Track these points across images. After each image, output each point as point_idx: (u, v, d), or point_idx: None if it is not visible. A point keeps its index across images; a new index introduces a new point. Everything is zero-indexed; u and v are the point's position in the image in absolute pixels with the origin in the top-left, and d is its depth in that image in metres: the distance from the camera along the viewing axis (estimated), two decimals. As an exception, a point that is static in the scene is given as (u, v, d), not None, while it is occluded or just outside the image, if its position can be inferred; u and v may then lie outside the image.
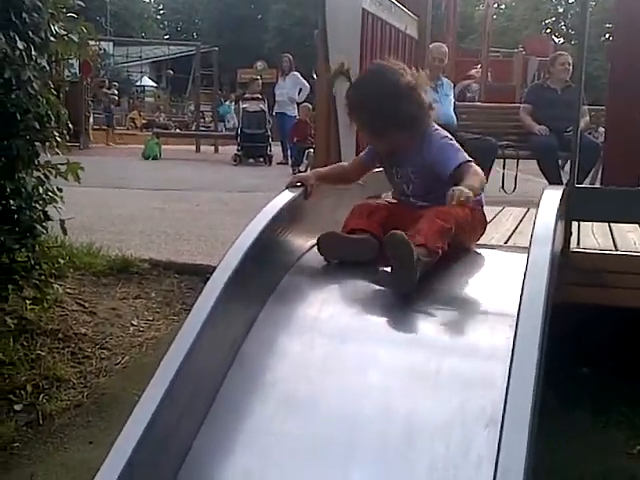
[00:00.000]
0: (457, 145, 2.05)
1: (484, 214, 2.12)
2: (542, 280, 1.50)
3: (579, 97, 2.18)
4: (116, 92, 22.35)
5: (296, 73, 11.52)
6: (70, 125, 2.58)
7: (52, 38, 2.34)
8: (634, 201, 2.26)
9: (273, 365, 1.61)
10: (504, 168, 6.88)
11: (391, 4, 3.03)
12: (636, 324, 2.48)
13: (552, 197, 1.86)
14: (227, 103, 20.41)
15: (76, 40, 2.37)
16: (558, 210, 1.79)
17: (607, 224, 2.74)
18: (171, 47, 30.22)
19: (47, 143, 2.47)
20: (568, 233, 2.22)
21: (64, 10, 2.45)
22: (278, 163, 12.05)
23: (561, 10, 36.03)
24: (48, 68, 2.38)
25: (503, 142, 6.63)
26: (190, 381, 1.44)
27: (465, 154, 2.03)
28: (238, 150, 12.38)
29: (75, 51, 2.47)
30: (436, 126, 2.09)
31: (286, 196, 1.97)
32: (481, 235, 2.13)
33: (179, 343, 1.44)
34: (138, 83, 27.89)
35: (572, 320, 2.44)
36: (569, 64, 6.15)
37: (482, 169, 6.00)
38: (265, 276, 1.82)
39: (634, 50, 2.27)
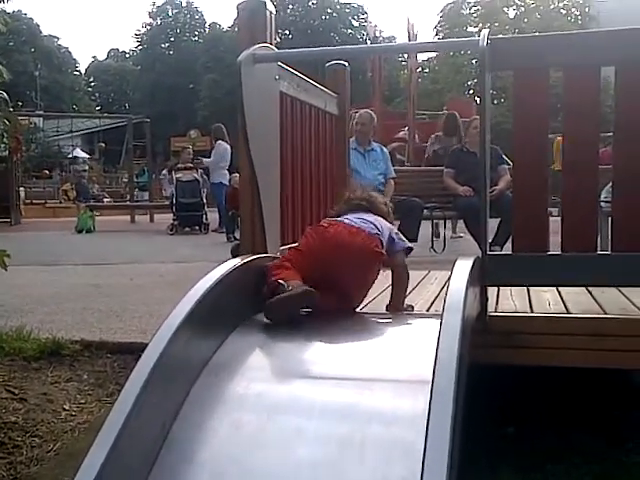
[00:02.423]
0: None
1: None
2: (454, 347, 1.58)
3: (484, 168, 2.32)
4: (86, 168, 22.20)
5: (220, 142, 11.95)
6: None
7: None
8: (543, 265, 2.40)
9: (202, 447, 1.64)
10: (433, 229, 7.12)
11: (309, 85, 3.17)
12: (554, 382, 2.60)
13: (463, 267, 1.97)
14: (164, 172, 20.50)
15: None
16: (469, 279, 1.90)
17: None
18: (103, 119, 30.19)
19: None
20: (484, 298, 2.33)
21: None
22: (213, 230, 12.13)
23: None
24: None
25: (430, 204, 6.88)
26: (118, 469, 1.45)
27: None
28: (174, 219, 12.43)
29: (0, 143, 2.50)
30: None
31: (215, 274, 2.02)
32: None
33: (105, 433, 1.46)
34: (70, 155, 27.69)
35: (498, 381, 2.55)
36: (476, 128, 6.49)
37: (409, 228, 6.31)
38: (195, 355, 1.85)
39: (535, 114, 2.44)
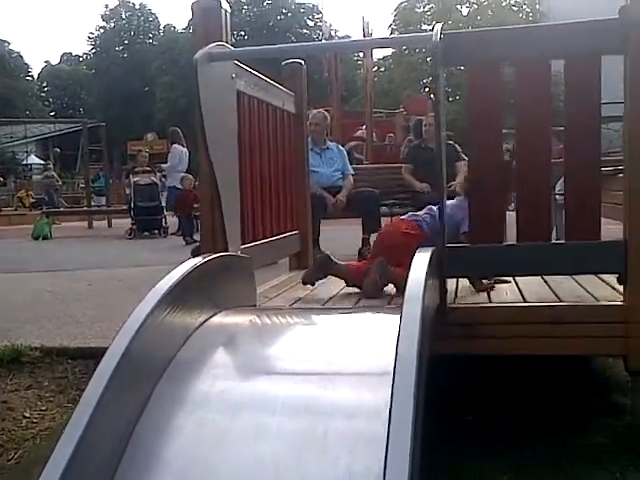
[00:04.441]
0: None
1: None
2: (414, 339, 1.60)
3: (440, 164, 2.35)
4: (54, 174, 21.79)
5: (176, 146, 11.96)
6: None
7: None
8: (499, 256, 2.44)
9: (167, 446, 1.64)
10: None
11: (267, 84, 3.19)
12: (510, 370, 2.65)
13: (421, 259, 1.99)
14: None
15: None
16: (428, 271, 1.92)
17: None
18: (57, 124, 29.73)
19: None
20: (443, 290, 2.36)
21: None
22: (171, 234, 12.06)
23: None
24: None
25: (390, 201, 6.95)
26: (83, 468, 1.45)
27: None
28: (132, 224, 12.30)
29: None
30: None
31: (176, 273, 2.01)
32: None
33: (69, 433, 1.45)
34: (24, 162, 27.23)
35: (457, 370, 2.59)
36: (431, 124, 6.60)
37: (368, 218, 6.51)
38: (158, 354, 1.85)
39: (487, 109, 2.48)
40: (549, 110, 2.46)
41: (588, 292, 2.65)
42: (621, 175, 2.48)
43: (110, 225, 15.54)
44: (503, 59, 2.51)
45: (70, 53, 55.36)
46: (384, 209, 6.98)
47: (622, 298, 2.42)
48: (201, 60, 2.38)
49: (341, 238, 7.64)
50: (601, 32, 2.38)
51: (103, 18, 51.05)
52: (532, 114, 2.43)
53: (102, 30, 51.01)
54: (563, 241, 2.49)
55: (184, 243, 10.23)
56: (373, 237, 6.73)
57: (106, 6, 50.81)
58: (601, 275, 2.83)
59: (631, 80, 2.29)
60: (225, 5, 2.72)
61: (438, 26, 2.31)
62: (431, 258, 2.07)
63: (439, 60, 2.31)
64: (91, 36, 51.63)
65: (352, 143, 13.88)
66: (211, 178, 2.56)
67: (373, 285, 2.83)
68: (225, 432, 1.65)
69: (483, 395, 2.71)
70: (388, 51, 38.84)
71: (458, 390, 2.65)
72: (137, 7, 50.82)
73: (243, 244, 2.81)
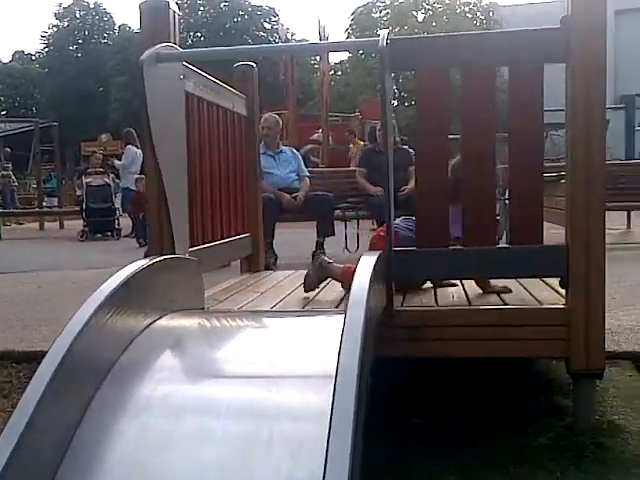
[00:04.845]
0: None
1: None
2: (356, 342, 1.61)
3: (387, 166, 2.37)
4: (10, 172, 21.12)
5: (130, 147, 11.92)
6: None
7: None
8: (446, 260, 2.47)
9: (107, 451, 1.61)
10: (346, 228, 7.20)
11: (217, 86, 3.17)
12: (456, 372, 2.67)
13: (367, 263, 2.01)
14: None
15: None
16: (373, 274, 1.93)
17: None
18: (8, 123, 29.11)
19: None
20: (391, 293, 2.38)
21: None
22: (125, 236, 11.92)
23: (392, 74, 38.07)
24: None
25: (343, 204, 6.99)
26: (20, 473, 1.42)
27: None
28: (84, 225, 12.13)
29: None
30: None
31: (121, 275, 1.99)
32: None
33: (6, 437, 1.43)
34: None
35: (405, 373, 2.61)
36: None
37: (323, 221, 6.49)
38: (101, 357, 1.82)
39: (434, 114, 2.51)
40: (494, 115, 2.49)
41: (532, 295, 2.70)
42: (564, 181, 2.53)
43: (62, 226, 15.28)
44: (449, 64, 2.54)
45: (22, 51, 54.21)
46: (338, 212, 7.02)
47: (564, 301, 2.47)
48: (148, 61, 2.36)
49: (296, 241, 7.66)
50: (545, 41, 2.43)
51: (57, 16, 50.11)
52: (477, 119, 2.47)
53: (56, 29, 50.05)
54: (508, 245, 2.53)
55: (137, 245, 10.13)
56: (328, 240, 6.82)
57: (60, 4, 49.91)
58: (545, 279, 2.88)
59: (572, 88, 2.34)
60: (173, 6, 2.70)
61: (385, 31, 2.34)
62: (377, 262, 2.09)
63: (386, 65, 2.33)
64: (44, 34, 50.66)
65: (308, 146, 13.93)
66: (158, 180, 2.53)
67: (309, 284, 3.00)
68: (169, 436, 1.64)
69: (430, 398, 2.74)
70: (344, 55, 39.01)
71: (405, 393, 2.67)
72: (92, 6, 50.02)
73: (192, 246, 2.79)
